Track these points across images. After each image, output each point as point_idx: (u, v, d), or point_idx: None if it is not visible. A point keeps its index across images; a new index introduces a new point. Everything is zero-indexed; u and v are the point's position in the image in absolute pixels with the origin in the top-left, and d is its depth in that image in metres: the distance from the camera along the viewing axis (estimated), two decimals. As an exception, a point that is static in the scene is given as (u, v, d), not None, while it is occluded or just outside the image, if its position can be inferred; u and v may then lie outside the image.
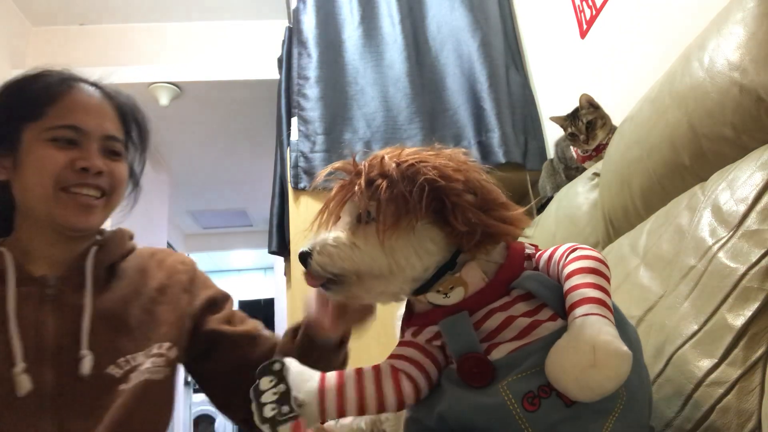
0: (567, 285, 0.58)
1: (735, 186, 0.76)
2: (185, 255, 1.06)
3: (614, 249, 1.05)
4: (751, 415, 0.57)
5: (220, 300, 1.00)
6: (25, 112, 0.84)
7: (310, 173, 2.06)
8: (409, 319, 0.66)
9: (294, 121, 2.17)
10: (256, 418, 0.57)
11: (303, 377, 0.60)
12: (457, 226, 0.57)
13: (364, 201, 0.59)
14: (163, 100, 3.31)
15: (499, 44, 2.26)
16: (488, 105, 2.11)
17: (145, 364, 0.85)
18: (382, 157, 0.61)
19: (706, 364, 0.64)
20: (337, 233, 0.61)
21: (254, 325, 1.01)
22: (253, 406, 0.57)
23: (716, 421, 0.60)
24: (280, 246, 2.18)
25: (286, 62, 2.33)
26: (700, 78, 0.88)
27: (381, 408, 0.60)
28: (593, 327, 0.52)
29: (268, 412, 0.56)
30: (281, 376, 0.59)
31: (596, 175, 1.33)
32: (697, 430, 0.62)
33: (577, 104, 1.52)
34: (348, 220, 0.62)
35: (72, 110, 0.85)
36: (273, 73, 2.55)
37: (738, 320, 0.63)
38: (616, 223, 1.15)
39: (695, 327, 0.68)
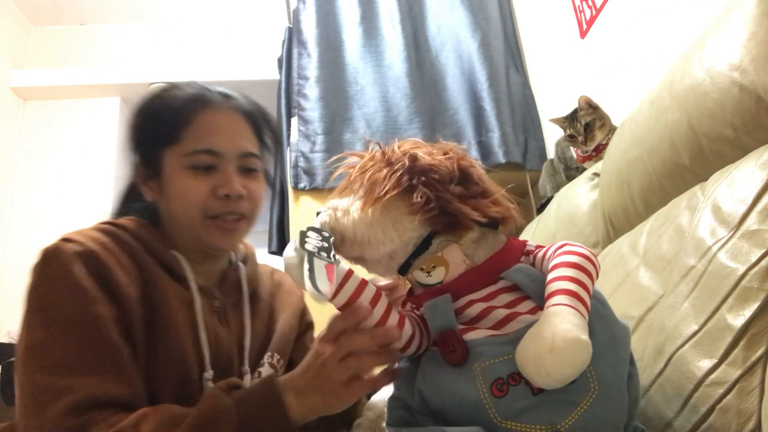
0: (548, 278, 0.61)
1: (735, 186, 0.76)
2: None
3: (614, 249, 1.05)
4: (751, 415, 0.57)
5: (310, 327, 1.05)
6: (161, 136, 0.85)
7: (310, 173, 2.06)
8: (407, 299, 0.72)
9: (294, 121, 2.17)
10: (291, 245, 0.63)
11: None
12: (415, 199, 0.62)
13: (359, 181, 0.67)
14: (163, 100, 3.30)
15: (499, 44, 2.26)
16: (488, 105, 2.11)
17: (266, 370, 0.89)
18: (393, 145, 0.69)
19: (706, 364, 0.64)
20: (344, 200, 0.69)
21: None
22: (297, 237, 0.63)
23: (716, 421, 0.60)
24: (280, 246, 2.18)
25: (286, 62, 2.33)
26: (700, 78, 0.88)
27: (382, 322, 0.64)
28: (558, 315, 0.55)
29: (310, 246, 0.62)
30: (328, 241, 0.65)
31: (596, 175, 1.33)
32: (697, 430, 0.62)
33: (576, 104, 1.52)
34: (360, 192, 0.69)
35: (206, 132, 0.84)
36: (273, 73, 2.56)
37: (738, 320, 0.63)
38: (616, 223, 1.15)
39: (695, 327, 0.68)
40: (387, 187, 0.63)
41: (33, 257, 0.74)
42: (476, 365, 0.58)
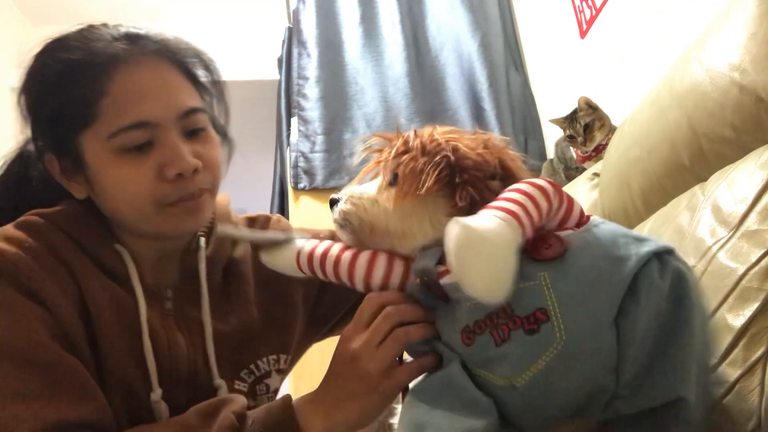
0: None
1: (735, 186, 0.76)
2: (280, 219, 0.90)
3: (614, 249, 1.05)
4: (751, 415, 0.57)
5: None
6: (72, 117, 0.65)
7: (310, 173, 2.06)
8: None
9: (294, 121, 2.17)
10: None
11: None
12: (458, 201, 0.58)
13: (391, 167, 0.64)
14: (163, 100, 3.30)
15: (499, 44, 2.26)
16: (488, 105, 2.12)
17: (274, 381, 0.78)
18: (422, 132, 0.66)
19: (706, 364, 0.64)
20: (368, 188, 0.66)
21: None
22: None
23: (716, 421, 0.60)
24: (280, 246, 2.18)
25: (286, 62, 2.33)
26: (700, 78, 0.88)
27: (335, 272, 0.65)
28: (474, 218, 0.51)
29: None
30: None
31: (596, 175, 1.33)
32: (697, 431, 0.62)
33: (575, 106, 1.52)
34: (380, 180, 0.67)
35: (128, 99, 0.64)
36: (273, 73, 2.55)
37: (738, 320, 0.63)
38: (616, 223, 1.15)
39: (695, 327, 0.68)
40: (428, 182, 0.59)
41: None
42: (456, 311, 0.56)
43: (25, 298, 0.60)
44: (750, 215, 0.70)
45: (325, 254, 0.66)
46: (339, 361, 0.60)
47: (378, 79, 2.24)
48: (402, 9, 2.33)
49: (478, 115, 2.14)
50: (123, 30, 0.70)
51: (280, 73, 2.39)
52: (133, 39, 0.69)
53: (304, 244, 0.69)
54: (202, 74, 0.73)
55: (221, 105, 0.77)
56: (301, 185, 2.04)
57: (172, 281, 0.74)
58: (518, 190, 0.56)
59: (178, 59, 0.70)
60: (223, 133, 0.77)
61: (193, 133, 0.69)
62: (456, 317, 0.57)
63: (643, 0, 1.53)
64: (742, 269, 0.66)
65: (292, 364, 0.84)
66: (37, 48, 0.69)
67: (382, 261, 0.63)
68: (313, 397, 0.61)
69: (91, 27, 0.70)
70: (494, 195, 0.58)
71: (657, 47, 1.46)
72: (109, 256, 0.68)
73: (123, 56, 0.66)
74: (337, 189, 2.42)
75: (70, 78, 0.65)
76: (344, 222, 0.65)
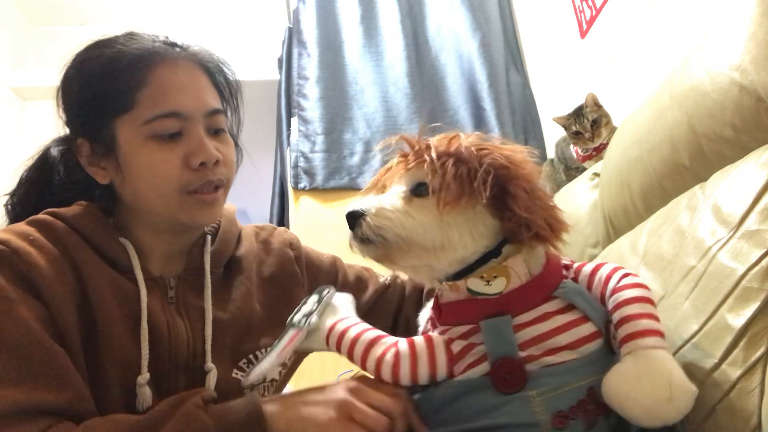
0: (627, 310, 0.59)
1: (735, 186, 0.76)
2: (286, 230, 0.96)
3: (614, 249, 1.05)
4: (751, 415, 0.57)
5: (331, 275, 0.94)
6: (111, 104, 0.72)
7: (310, 173, 2.06)
8: (440, 315, 0.65)
9: (294, 121, 2.17)
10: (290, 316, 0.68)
11: (334, 311, 0.69)
12: (520, 214, 0.57)
13: (428, 174, 0.60)
14: (164, 99, 3.30)
15: (499, 44, 2.26)
16: (488, 105, 2.12)
17: (271, 372, 0.78)
18: (452, 137, 0.62)
19: (706, 364, 0.64)
20: (392, 200, 0.62)
21: (362, 271, 0.98)
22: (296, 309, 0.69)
23: (716, 422, 0.60)
24: (280, 246, 2.18)
25: (286, 62, 2.33)
26: (700, 78, 0.88)
27: (362, 364, 0.63)
28: (666, 361, 0.55)
29: (296, 317, 0.68)
30: (321, 300, 0.68)
31: (596, 175, 1.33)
32: (697, 431, 0.62)
33: (577, 104, 1.52)
34: (402, 190, 0.63)
35: (166, 92, 0.72)
36: (273, 73, 2.55)
37: (738, 320, 0.63)
38: (616, 223, 1.15)
39: (695, 327, 0.68)
40: (482, 190, 0.57)
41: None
42: (533, 392, 0.57)
43: (15, 283, 0.63)
44: (750, 215, 0.70)
45: (366, 354, 0.64)
46: (319, 390, 0.64)
47: (378, 79, 2.24)
48: (402, 9, 2.33)
49: (478, 115, 2.14)
50: (162, 37, 0.78)
51: (280, 73, 2.39)
52: (171, 44, 0.77)
53: (333, 330, 0.66)
54: (225, 86, 0.82)
55: (235, 116, 0.85)
56: (301, 185, 2.04)
57: (178, 273, 0.78)
58: (649, 312, 0.58)
59: (207, 67, 0.79)
60: (235, 141, 0.84)
61: (215, 133, 0.76)
62: (521, 397, 0.57)
63: (643, 0, 1.53)
64: (742, 269, 0.66)
65: (296, 362, 0.86)
66: (87, 43, 0.77)
67: (423, 355, 0.62)
68: (277, 397, 0.66)
69: (134, 32, 0.78)
70: (538, 208, 0.59)
71: (657, 47, 1.46)
72: (113, 249, 0.73)
73: (163, 55, 0.74)
74: (337, 189, 2.41)
75: (115, 68, 0.72)
76: (377, 238, 0.60)
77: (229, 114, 0.82)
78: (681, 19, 1.36)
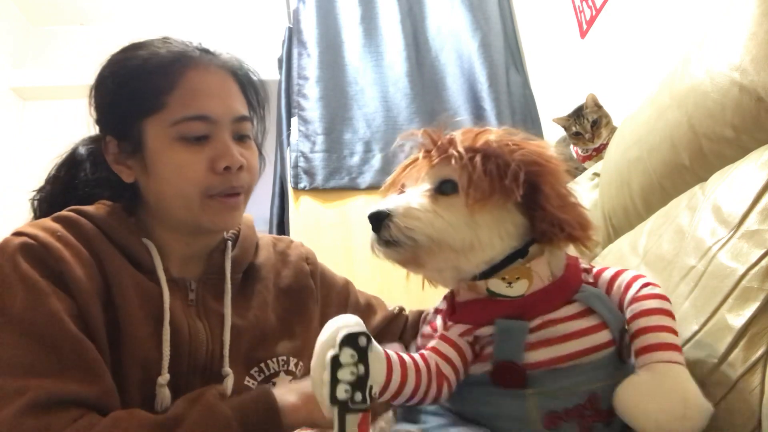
0: (646, 321, 0.58)
1: (735, 186, 0.76)
2: (302, 245, 0.97)
3: (614, 249, 1.05)
4: (751, 415, 0.57)
5: (343, 295, 0.94)
6: (142, 104, 0.73)
7: (310, 173, 2.06)
8: (452, 313, 0.64)
9: (294, 121, 2.17)
10: (324, 391, 0.50)
11: (381, 365, 0.54)
12: (553, 212, 0.56)
13: (457, 170, 0.58)
14: (164, 99, 3.30)
15: (499, 44, 2.26)
16: (488, 105, 2.12)
17: (282, 381, 0.80)
18: (479, 131, 0.60)
19: (706, 364, 0.64)
20: (418, 199, 0.59)
21: (372, 299, 0.98)
22: (326, 376, 0.50)
23: (716, 421, 0.60)
24: (280, 246, 2.18)
25: (286, 62, 2.33)
26: (700, 78, 0.88)
27: (420, 402, 0.59)
28: (682, 377, 0.54)
29: (342, 393, 0.50)
30: (363, 355, 0.51)
31: (596, 175, 1.33)
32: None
33: (577, 104, 1.52)
34: (427, 188, 0.60)
35: (196, 95, 0.73)
36: (273, 73, 2.55)
37: (738, 320, 0.63)
38: (616, 223, 1.15)
39: (695, 327, 0.68)
40: (504, 189, 0.55)
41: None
42: (530, 390, 0.56)
43: (45, 276, 0.64)
44: (750, 215, 0.70)
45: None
46: None
47: (378, 79, 2.24)
48: (402, 9, 2.33)
49: (478, 115, 2.14)
50: (196, 42, 0.79)
51: (280, 73, 2.39)
52: (204, 50, 0.79)
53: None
54: (253, 95, 0.83)
55: (261, 125, 0.85)
56: (302, 185, 2.04)
57: (197, 276, 0.79)
58: (667, 325, 0.58)
59: (236, 74, 0.80)
60: (259, 149, 0.84)
61: (240, 139, 0.77)
62: (521, 402, 0.57)
63: (643, 0, 1.53)
64: (742, 269, 0.66)
65: (306, 372, 0.86)
66: (122, 45, 0.79)
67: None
68: (292, 386, 0.67)
69: (168, 36, 0.80)
70: (572, 201, 0.58)
71: (657, 47, 1.46)
72: (136, 249, 0.74)
73: (195, 59, 0.76)
74: (337, 189, 2.40)
75: (148, 69, 0.74)
76: (406, 240, 0.57)
77: (255, 122, 0.83)
78: (681, 19, 1.36)
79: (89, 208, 0.74)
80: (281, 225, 2.17)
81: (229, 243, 0.83)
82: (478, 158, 0.57)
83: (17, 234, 0.67)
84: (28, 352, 0.60)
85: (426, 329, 0.69)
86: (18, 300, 0.62)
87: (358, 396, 0.50)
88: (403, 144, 0.64)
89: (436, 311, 0.69)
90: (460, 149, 0.58)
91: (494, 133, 0.61)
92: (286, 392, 0.66)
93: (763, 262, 0.64)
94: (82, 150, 0.83)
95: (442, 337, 0.62)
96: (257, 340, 0.79)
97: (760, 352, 0.60)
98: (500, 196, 0.56)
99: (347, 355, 0.50)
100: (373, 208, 0.59)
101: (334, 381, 0.49)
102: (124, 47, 0.78)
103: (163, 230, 0.78)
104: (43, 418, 0.57)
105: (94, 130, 0.81)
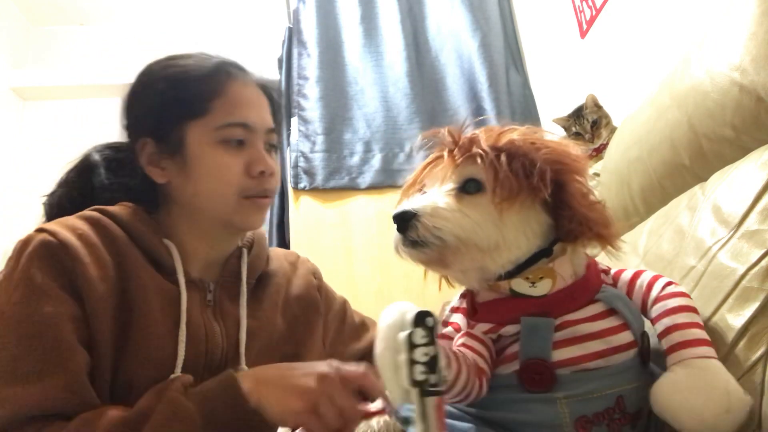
0: (675, 319, 0.58)
1: (735, 186, 0.76)
2: (308, 260, 1.02)
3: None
4: (751, 415, 0.57)
5: (341, 313, 0.98)
6: (187, 108, 0.78)
7: (310, 173, 2.06)
8: (474, 314, 0.63)
9: (294, 121, 2.17)
10: (402, 374, 0.49)
11: (443, 351, 0.54)
12: (581, 211, 0.55)
13: (482, 169, 0.57)
14: (164, 99, 3.30)
15: (499, 44, 2.26)
16: (488, 105, 2.11)
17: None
18: (502, 130, 0.60)
19: (706, 364, 0.64)
20: (443, 198, 0.58)
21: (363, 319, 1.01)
22: (404, 357, 0.49)
23: (716, 421, 0.60)
24: (280, 246, 2.18)
25: (286, 62, 2.33)
26: (700, 78, 0.88)
27: (463, 399, 0.59)
28: (721, 371, 0.54)
29: (419, 374, 0.48)
30: (432, 336, 0.50)
31: (596, 175, 1.33)
32: (697, 430, 0.62)
33: (577, 105, 1.52)
34: (451, 187, 0.59)
35: (238, 104, 0.79)
36: (273, 73, 2.55)
37: (738, 320, 0.63)
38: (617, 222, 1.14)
39: (695, 327, 0.68)
40: (531, 188, 0.54)
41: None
42: (560, 395, 0.56)
43: (54, 277, 0.65)
44: (750, 215, 0.70)
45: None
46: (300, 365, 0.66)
47: (378, 79, 2.24)
48: (402, 9, 2.33)
49: (478, 115, 2.14)
50: (230, 59, 0.85)
51: (280, 73, 2.39)
52: (239, 66, 0.85)
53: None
54: (277, 108, 0.88)
55: (279, 139, 0.89)
56: (301, 185, 2.04)
57: (215, 278, 0.82)
58: (696, 322, 0.58)
59: (266, 91, 0.86)
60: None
61: (270, 148, 0.83)
62: (546, 397, 0.56)
63: (643, 0, 1.53)
64: (742, 269, 0.66)
65: None
66: (161, 56, 0.84)
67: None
68: (256, 370, 0.68)
69: (206, 51, 0.85)
70: (589, 201, 0.57)
71: (657, 47, 1.46)
72: (158, 249, 0.76)
73: (235, 73, 0.82)
74: (337, 189, 2.40)
75: (193, 77, 0.79)
76: (435, 240, 0.56)
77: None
78: (681, 19, 1.35)
79: (113, 209, 0.77)
80: (281, 225, 2.17)
81: (245, 250, 0.87)
82: (503, 157, 0.56)
83: (40, 230, 0.69)
84: (13, 357, 0.61)
85: (447, 329, 0.68)
86: (15, 300, 0.63)
87: (433, 379, 0.48)
88: (415, 142, 0.64)
89: (454, 310, 0.68)
90: (485, 147, 0.57)
91: (517, 131, 0.60)
92: (243, 376, 0.66)
93: (763, 262, 0.64)
94: (96, 156, 0.86)
95: (470, 335, 0.62)
96: (266, 343, 0.83)
97: (760, 351, 0.60)
98: (527, 194, 0.56)
99: (420, 336, 0.49)
100: (399, 209, 0.58)
101: (412, 362, 0.48)
102: (162, 58, 0.84)
103: (188, 232, 0.80)
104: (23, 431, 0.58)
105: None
